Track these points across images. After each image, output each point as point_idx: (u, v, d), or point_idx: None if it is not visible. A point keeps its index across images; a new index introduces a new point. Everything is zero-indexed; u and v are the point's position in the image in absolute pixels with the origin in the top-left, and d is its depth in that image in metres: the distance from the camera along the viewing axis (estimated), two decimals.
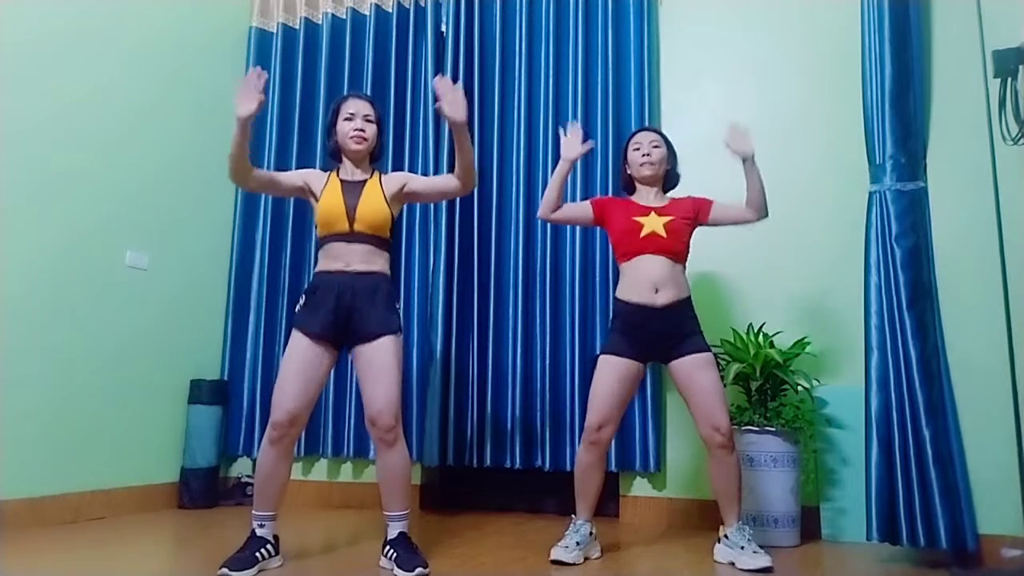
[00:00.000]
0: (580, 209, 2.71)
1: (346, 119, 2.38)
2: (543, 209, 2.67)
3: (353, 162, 2.42)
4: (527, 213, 3.47)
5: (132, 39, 3.33)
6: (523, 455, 3.28)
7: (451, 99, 2.26)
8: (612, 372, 2.46)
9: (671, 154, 2.68)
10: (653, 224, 2.53)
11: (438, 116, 3.57)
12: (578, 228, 3.34)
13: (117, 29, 3.26)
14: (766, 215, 2.57)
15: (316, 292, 2.29)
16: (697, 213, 2.60)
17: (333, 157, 2.46)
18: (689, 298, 2.53)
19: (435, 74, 3.65)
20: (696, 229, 2.62)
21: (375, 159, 2.48)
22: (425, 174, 3.55)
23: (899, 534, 2.40)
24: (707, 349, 2.48)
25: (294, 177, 2.43)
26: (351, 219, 2.30)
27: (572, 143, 2.62)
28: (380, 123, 2.45)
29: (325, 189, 2.35)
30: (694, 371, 2.44)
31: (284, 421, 2.20)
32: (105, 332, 3.14)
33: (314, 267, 2.40)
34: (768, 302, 3.12)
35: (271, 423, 2.22)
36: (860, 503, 2.65)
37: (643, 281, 2.48)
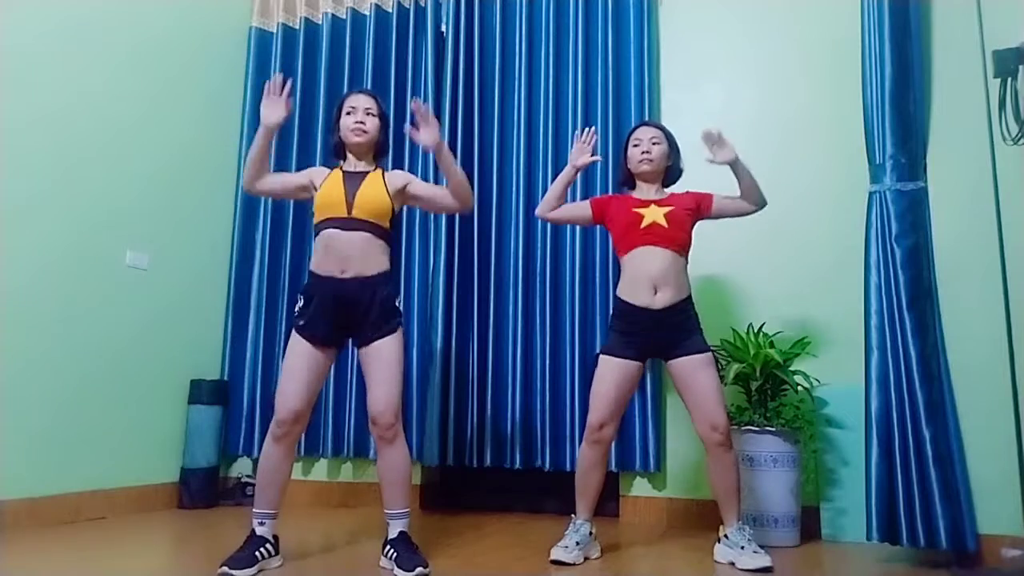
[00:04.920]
0: (579, 209, 2.71)
1: (347, 113, 2.39)
2: (542, 208, 2.69)
3: (355, 156, 2.42)
4: (527, 213, 3.47)
5: (132, 39, 3.33)
6: (523, 455, 3.28)
7: (425, 126, 2.31)
8: (612, 372, 2.46)
9: (673, 149, 2.67)
10: (654, 214, 2.52)
11: (438, 115, 3.59)
12: (578, 228, 3.34)
13: (117, 29, 3.26)
14: (765, 204, 2.58)
15: (314, 301, 2.27)
16: (699, 205, 2.59)
17: (336, 154, 2.46)
18: (689, 297, 2.52)
19: (435, 74, 3.66)
20: (697, 224, 2.61)
21: (379, 156, 2.48)
22: (425, 174, 3.55)
23: (899, 534, 2.40)
24: (706, 349, 2.47)
25: (300, 176, 2.45)
26: (349, 204, 2.29)
27: (582, 151, 2.63)
28: (384, 119, 2.45)
29: (326, 180, 2.37)
30: (693, 371, 2.44)
31: (288, 419, 2.22)
32: (105, 332, 3.14)
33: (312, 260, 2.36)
34: (768, 302, 3.12)
35: (275, 421, 2.23)
36: (860, 503, 2.65)
37: (643, 279, 2.47)
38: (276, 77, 2.34)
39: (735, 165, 2.51)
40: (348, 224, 2.28)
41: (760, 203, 2.56)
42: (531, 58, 3.63)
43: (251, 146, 2.37)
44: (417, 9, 3.81)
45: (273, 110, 2.30)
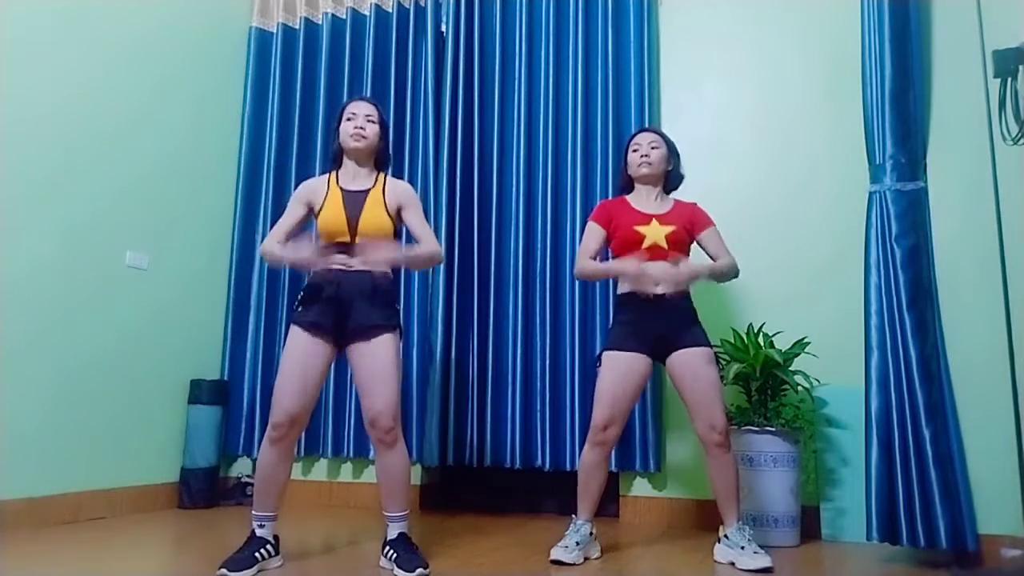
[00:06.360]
0: (597, 245, 2.63)
1: (348, 119, 2.38)
2: (579, 278, 2.70)
3: (355, 162, 2.40)
4: (527, 213, 3.47)
5: (132, 38, 3.33)
6: (523, 455, 3.28)
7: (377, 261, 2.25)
8: (617, 368, 2.45)
9: (673, 154, 2.67)
10: (655, 236, 2.50)
11: (438, 115, 3.60)
12: (577, 227, 3.34)
13: (118, 29, 3.26)
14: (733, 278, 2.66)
15: (314, 287, 2.28)
16: (693, 226, 2.59)
17: (336, 162, 2.44)
18: (688, 293, 2.54)
19: (435, 74, 3.65)
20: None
21: (380, 164, 2.46)
22: (425, 176, 3.56)
23: (899, 534, 2.40)
24: (707, 343, 2.47)
25: (298, 209, 2.38)
26: (353, 232, 2.29)
27: (649, 278, 2.45)
28: (384, 127, 2.43)
29: (326, 201, 2.33)
30: (693, 366, 2.43)
31: (284, 422, 2.20)
32: (105, 332, 3.14)
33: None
34: (768, 302, 3.12)
35: (271, 424, 2.21)
36: (860, 503, 2.65)
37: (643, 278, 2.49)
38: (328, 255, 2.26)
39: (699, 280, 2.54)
40: (353, 249, 2.28)
41: (731, 279, 2.65)
42: (531, 58, 3.63)
43: (277, 254, 2.29)
44: (417, 9, 3.80)
45: (312, 258, 2.23)
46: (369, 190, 2.36)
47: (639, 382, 2.47)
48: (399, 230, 2.41)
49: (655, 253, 2.49)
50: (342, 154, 2.41)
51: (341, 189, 2.35)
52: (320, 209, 2.33)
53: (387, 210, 2.34)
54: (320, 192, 2.37)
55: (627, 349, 2.46)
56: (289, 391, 2.21)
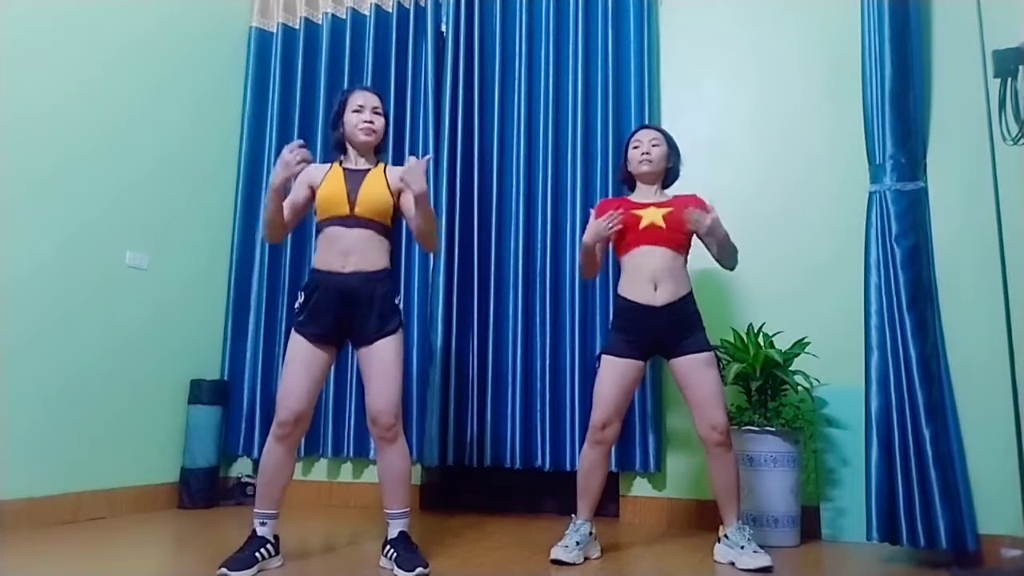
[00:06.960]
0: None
1: (355, 111, 2.39)
2: (584, 276, 2.72)
3: (359, 153, 2.42)
4: (527, 213, 3.47)
5: (132, 38, 3.33)
6: (523, 455, 3.28)
7: (415, 174, 2.21)
8: (614, 372, 2.47)
9: (673, 151, 2.68)
10: (652, 216, 2.54)
11: (438, 115, 3.60)
12: (577, 226, 3.34)
13: (117, 28, 3.26)
14: (731, 269, 2.66)
15: (315, 296, 2.27)
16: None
17: (338, 149, 2.45)
18: (690, 294, 2.53)
19: (435, 74, 3.65)
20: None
21: (379, 152, 2.49)
22: (424, 174, 3.55)
23: (899, 534, 2.40)
24: (708, 348, 2.48)
25: (301, 190, 2.39)
26: (351, 202, 2.29)
27: (599, 226, 2.50)
28: (386, 117, 2.46)
29: (326, 177, 2.36)
30: (694, 370, 2.44)
31: (290, 420, 2.22)
32: (105, 332, 3.14)
33: (314, 257, 2.37)
34: (768, 302, 3.12)
35: (277, 422, 2.23)
36: (860, 503, 2.65)
37: (643, 275, 2.49)
38: (296, 144, 2.22)
39: (712, 231, 2.49)
40: (350, 222, 2.29)
41: (732, 268, 2.65)
42: (531, 58, 3.63)
43: (263, 209, 2.31)
44: (417, 9, 3.80)
45: (280, 173, 2.21)
46: (370, 169, 2.39)
47: (634, 386, 2.52)
48: (398, 212, 2.41)
49: (652, 233, 2.51)
50: (345, 142, 2.42)
51: (343, 168, 2.38)
52: (320, 185, 2.34)
53: (388, 186, 2.35)
54: (320, 172, 2.39)
55: (622, 355, 2.48)
56: (294, 390, 2.22)
